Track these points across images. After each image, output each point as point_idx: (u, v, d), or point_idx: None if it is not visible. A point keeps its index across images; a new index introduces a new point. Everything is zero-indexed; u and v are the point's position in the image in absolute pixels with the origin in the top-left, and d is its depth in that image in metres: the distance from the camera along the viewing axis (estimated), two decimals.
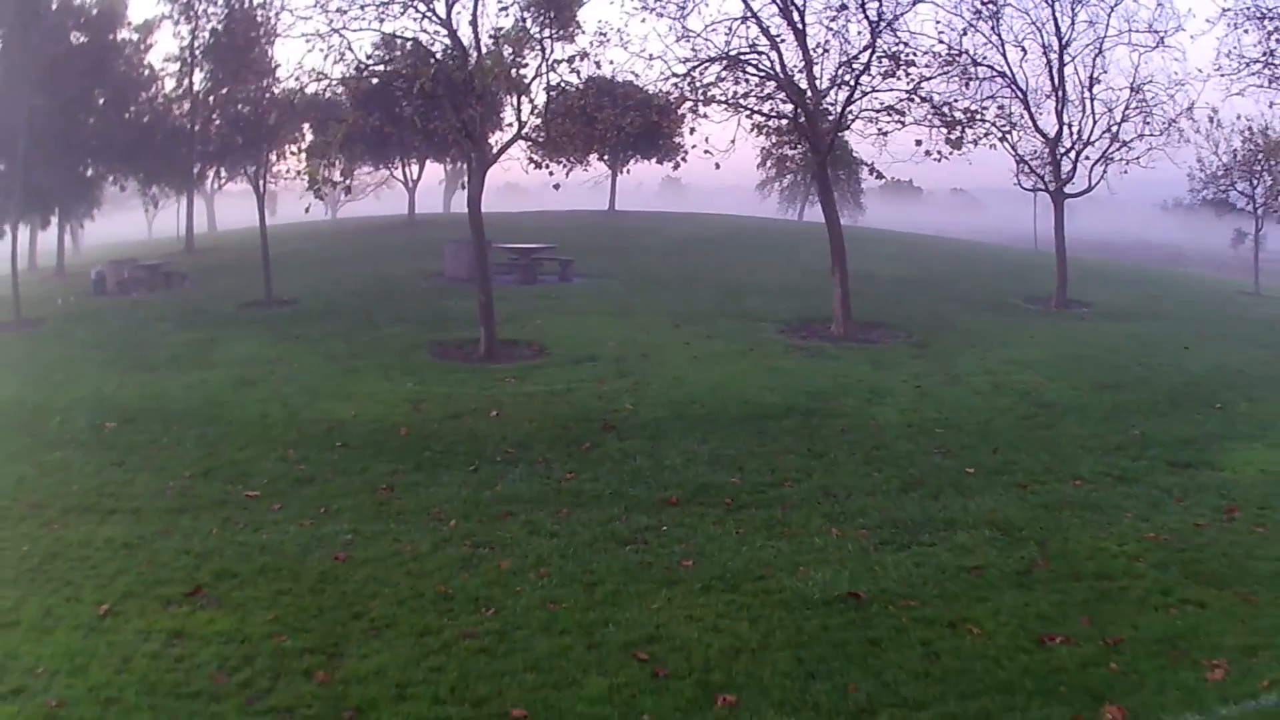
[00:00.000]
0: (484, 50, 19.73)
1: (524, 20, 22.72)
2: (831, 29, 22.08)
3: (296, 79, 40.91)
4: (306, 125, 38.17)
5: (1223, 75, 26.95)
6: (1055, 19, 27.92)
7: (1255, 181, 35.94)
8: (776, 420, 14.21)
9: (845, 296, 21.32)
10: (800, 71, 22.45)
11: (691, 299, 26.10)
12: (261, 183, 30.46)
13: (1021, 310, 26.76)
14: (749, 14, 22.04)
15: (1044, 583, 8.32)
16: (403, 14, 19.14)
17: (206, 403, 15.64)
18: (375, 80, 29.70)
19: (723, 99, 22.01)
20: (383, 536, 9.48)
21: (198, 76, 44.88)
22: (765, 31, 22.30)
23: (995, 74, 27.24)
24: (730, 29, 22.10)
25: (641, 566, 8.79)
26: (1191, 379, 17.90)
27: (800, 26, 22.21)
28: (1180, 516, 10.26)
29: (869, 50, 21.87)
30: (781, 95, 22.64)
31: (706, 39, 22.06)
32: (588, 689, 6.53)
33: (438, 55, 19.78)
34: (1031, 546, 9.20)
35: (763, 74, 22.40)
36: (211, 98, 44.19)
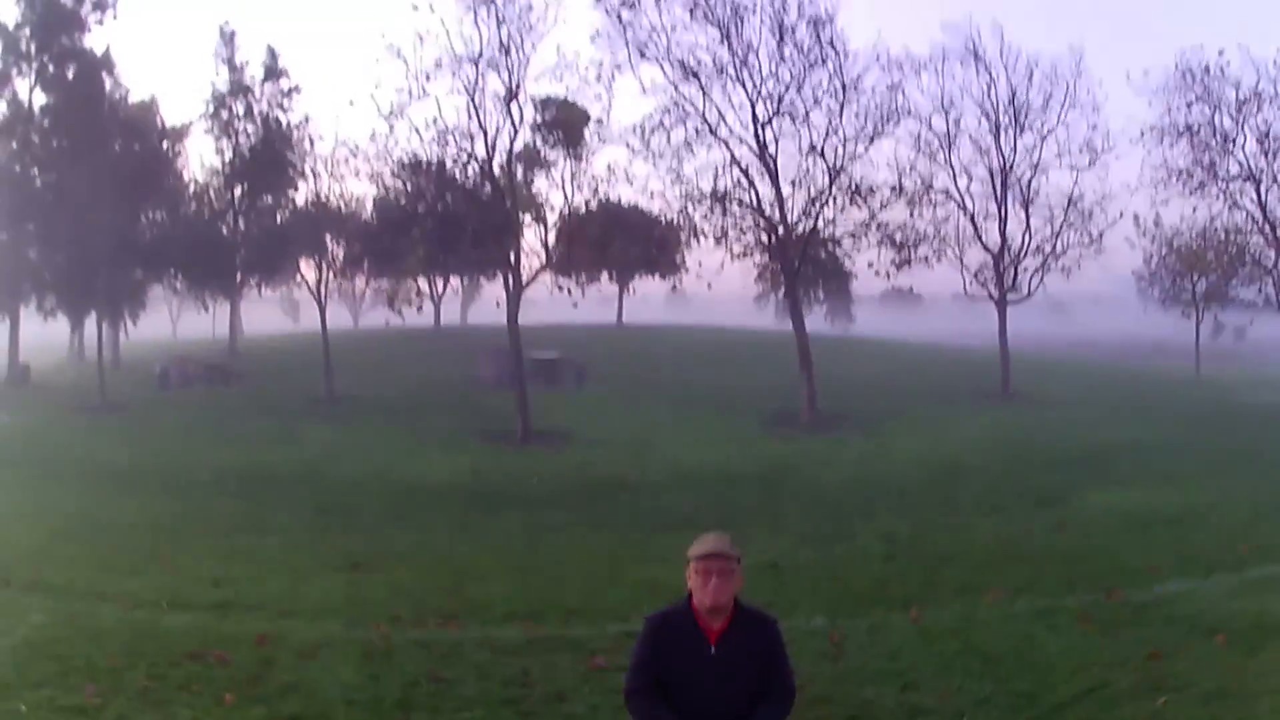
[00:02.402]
0: (501, 170, 25.17)
1: (534, 142, 28.12)
2: (799, 174, 27.55)
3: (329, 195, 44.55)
4: (330, 237, 42.49)
5: (1156, 185, 32.06)
6: (999, 145, 33.12)
7: (1194, 280, 40.11)
8: (745, 482, 18.96)
9: (811, 392, 26.11)
10: (773, 206, 27.81)
11: (688, 400, 30.88)
12: (322, 291, 35.15)
13: (966, 402, 31.42)
14: (733, 160, 27.52)
15: (901, 560, 12.83)
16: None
17: (305, 470, 20.39)
18: (402, 201, 35.42)
19: (710, 233, 27.33)
20: (470, 543, 14.08)
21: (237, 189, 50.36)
22: (745, 173, 27.78)
23: (947, 198, 32.47)
24: (716, 172, 27.60)
25: (635, 559, 13.27)
26: (1088, 448, 22.53)
27: (774, 169, 27.67)
28: (1022, 530, 14.78)
29: (830, 187, 27.31)
30: (760, 224, 27.96)
31: (697, 185, 27.50)
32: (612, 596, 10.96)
33: (462, 172, 25.19)
34: (904, 546, 13.72)
35: (744, 207, 27.78)
36: (252, 211, 49.52)
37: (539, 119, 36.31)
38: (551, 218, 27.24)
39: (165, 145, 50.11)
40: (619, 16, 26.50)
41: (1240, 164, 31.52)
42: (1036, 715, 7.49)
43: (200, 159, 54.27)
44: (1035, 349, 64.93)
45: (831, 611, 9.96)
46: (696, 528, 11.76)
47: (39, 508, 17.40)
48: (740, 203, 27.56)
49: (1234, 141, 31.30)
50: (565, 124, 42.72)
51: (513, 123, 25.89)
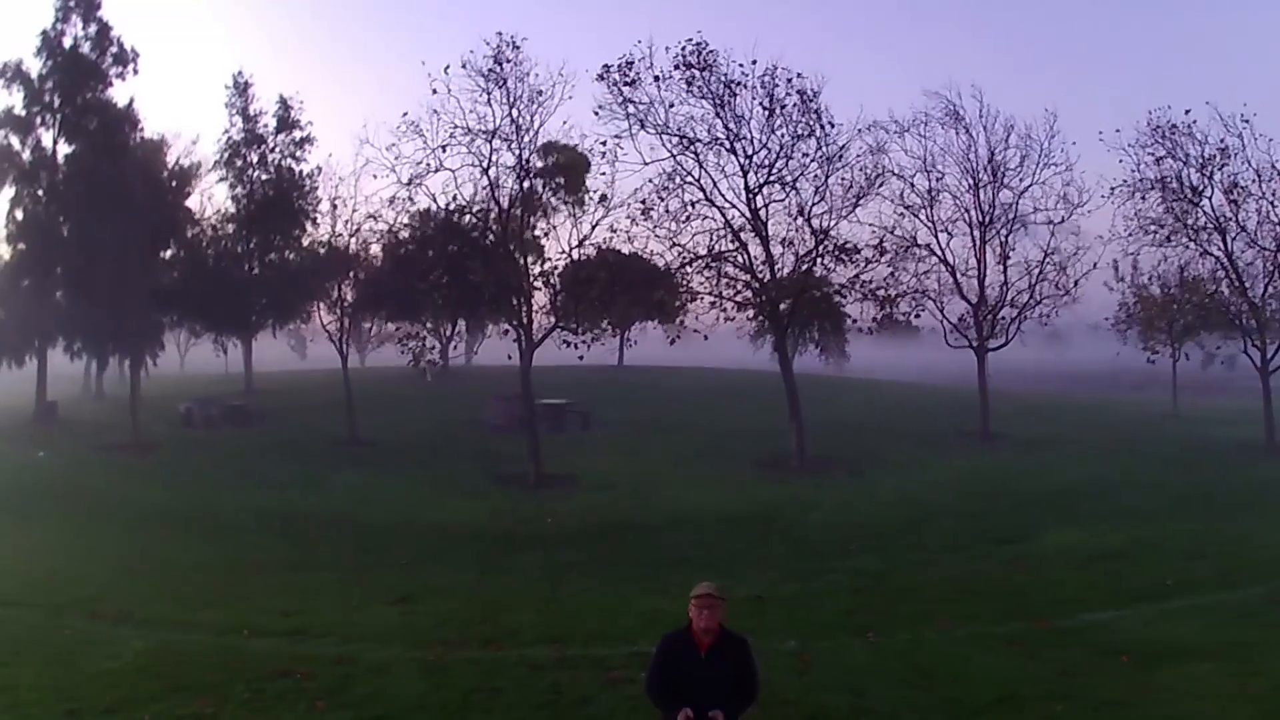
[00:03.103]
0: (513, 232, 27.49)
1: (537, 186, 30.36)
2: (788, 235, 29.80)
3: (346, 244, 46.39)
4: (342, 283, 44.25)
5: (1128, 235, 34.09)
6: (978, 201, 35.31)
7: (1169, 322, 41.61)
8: (737, 523, 21.03)
9: (800, 438, 28.22)
10: (763, 265, 30.06)
11: (687, 443, 32.93)
12: (342, 340, 36.98)
13: (948, 444, 33.47)
14: (726, 224, 29.78)
15: (867, 593, 14.89)
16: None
17: (338, 513, 22.45)
18: (411, 247, 37.65)
19: (704, 290, 29.56)
20: (497, 579, 16.14)
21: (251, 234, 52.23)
22: (737, 236, 30.04)
23: (929, 253, 34.62)
24: (711, 236, 29.85)
25: (640, 592, 15.28)
26: (1054, 489, 24.60)
27: (765, 233, 29.94)
28: (978, 567, 16.85)
29: (817, 248, 29.59)
30: (748, 279, 30.17)
31: (692, 249, 29.73)
32: (623, 623, 13.01)
33: (480, 236, 27.47)
34: (871, 581, 15.79)
35: (738, 268, 30.03)
36: (269, 256, 51.50)
37: (541, 164, 38.98)
38: (555, 262, 29.61)
39: (175, 184, 51.90)
40: (621, 91, 28.69)
41: (1207, 215, 33.67)
42: (958, 716, 9.56)
43: (207, 199, 55.14)
44: (1025, 385, 67.23)
45: (803, 636, 12.03)
46: (693, 565, 13.83)
47: (97, 547, 19.31)
48: (734, 263, 29.79)
49: (1201, 194, 33.49)
50: (566, 169, 45.28)
51: (522, 189, 28.16)
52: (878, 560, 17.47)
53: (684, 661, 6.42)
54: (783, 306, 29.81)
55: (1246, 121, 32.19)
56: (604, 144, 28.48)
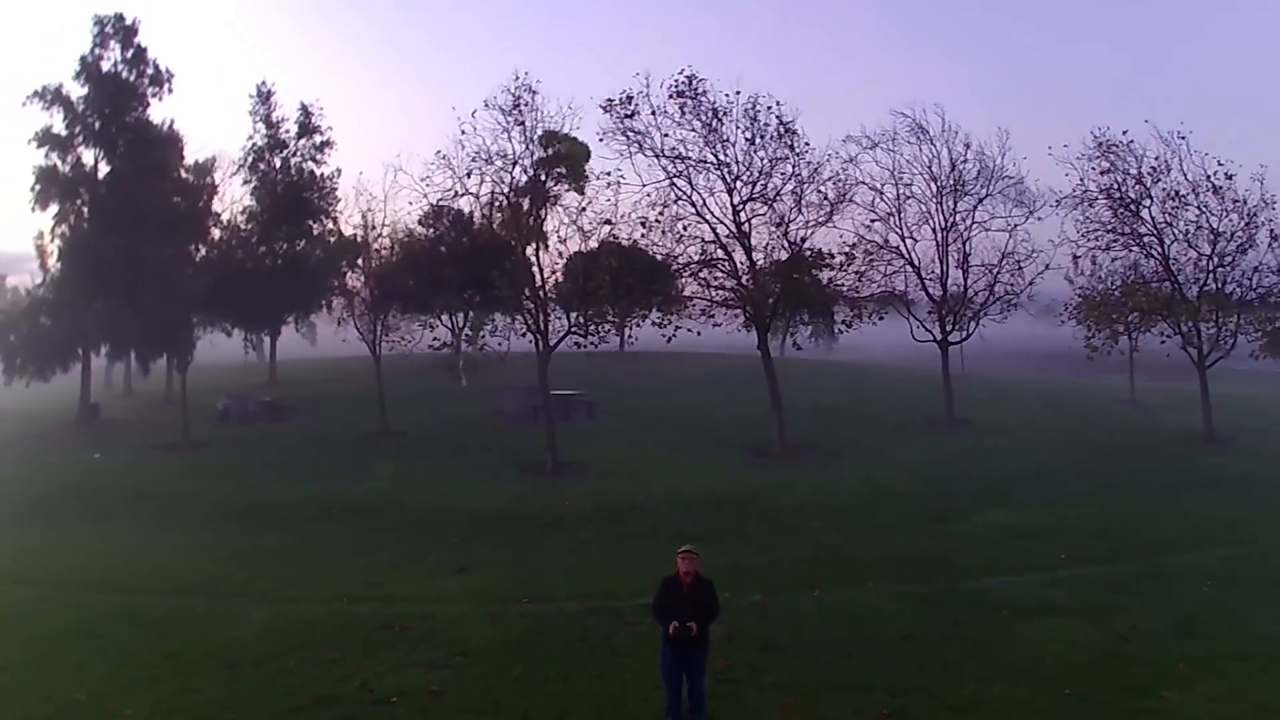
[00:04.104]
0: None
1: (540, 176, 34.04)
2: (770, 244, 33.75)
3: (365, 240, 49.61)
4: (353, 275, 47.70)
5: (1080, 237, 37.65)
6: (941, 208, 39.17)
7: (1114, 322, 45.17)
8: (724, 504, 25.09)
9: (781, 428, 32.22)
10: (747, 271, 33.96)
11: (682, 430, 36.92)
12: (376, 337, 40.60)
13: (917, 429, 37.46)
14: (715, 238, 33.67)
15: (822, 562, 18.92)
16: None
17: (384, 501, 26.42)
18: (425, 245, 41.47)
19: (696, 295, 33.52)
20: (530, 553, 20.18)
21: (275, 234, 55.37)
22: (723, 247, 33.92)
23: (897, 255, 38.50)
24: (702, 248, 33.73)
25: (644, 561, 19.27)
26: (998, 474, 28.64)
27: (748, 243, 33.83)
28: (913, 541, 20.85)
29: (794, 256, 33.53)
30: (734, 285, 34.11)
31: (686, 257, 33.67)
32: (633, 584, 17.03)
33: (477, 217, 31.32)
34: (826, 551, 19.82)
35: (724, 273, 33.97)
36: (292, 249, 54.48)
37: (544, 154, 42.63)
38: (561, 249, 33.58)
39: (206, 195, 54.85)
40: (622, 122, 32.60)
41: (1146, 223, 37.44)
42: (869, 647, 13.59)
43: (230, 202, 57.89)
44: (1008, 366, 71.13)
45: (766, 592, 16.16)
46: (686, 540, 18.28)
47: (183, 541, 22.66)
48: (721, 269, 33.73)
49: (1140, 204, 37.25)
50: (568, 159, 48.97)
51: (534, 207, 32.00)
52: (836, 535, 21.53)
53: (673, 593, 10.52)
54: (766, 303, 33.72)
55: (1183, 138, 36.01)
56: (608, 174, 32.21)
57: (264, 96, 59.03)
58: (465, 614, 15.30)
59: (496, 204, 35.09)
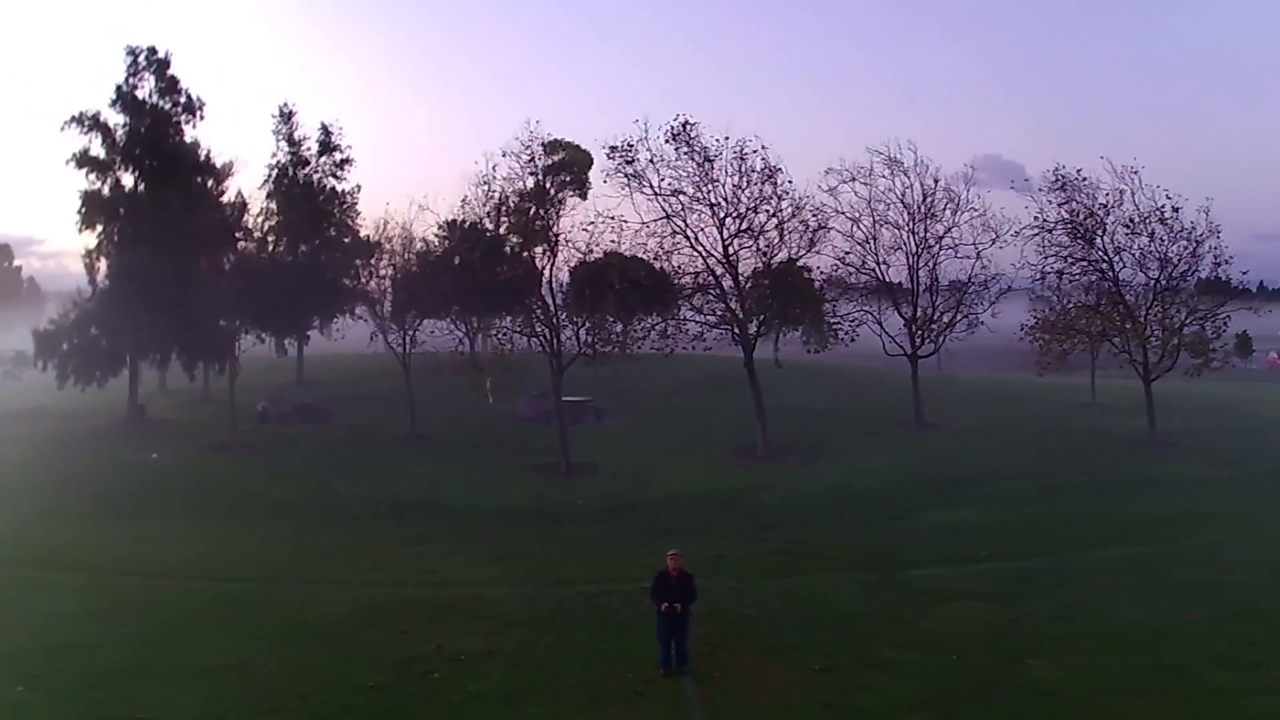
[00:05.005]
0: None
1: (544, 181, 38.16)
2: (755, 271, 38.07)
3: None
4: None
5: (1041, 259, 41.62)
6: (912, 234, 43.48)
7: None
8: (711, 502, 29.55)
9: (764, 432, 36.58)
10: (735, 297, 38.31)
11: (678, 433, 41.35)
12: (405, 350, 44.81)
13: (889, 432, 41.79)
14: (707, 268, 37.99)
15: (790, 554, 23.24)
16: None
17: (422, 499, 30.79)
18: (439, 254, 45.70)
19: (690, 319, 37.87)
20: (551, 545, 24.56)
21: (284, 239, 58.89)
22: (713, 273, 38.23)
23: (872, 278, 42.86)
24: (695, 277, 38.04)
25: (645, 552, 23.55)
26: (953, 476, 32.97)
27: (736, 272, 38.15)
28: (867, 536, 25.19)
29: (776, 285, 37.88)
30: (721, 308, 38.48)
31: (680, 284, 38.00)
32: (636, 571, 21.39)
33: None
34: (793, 545, 24.15)
35: (715, 299, 38.30)
36: (314, 264, 57.87)
37: (548, 161, 46.70)
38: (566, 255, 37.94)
39: (234, 212, 58.02)
40: (623, 167, 36.94)
41: (1099, 250, 41.53)
42: (815, 621, 17.88)
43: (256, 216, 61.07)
44: (989, 366, 75.09)
45: (741, 578, 20.57)
46: (679, 534, 23.12)
47: (256, 535, 26.59)
48: (712, 294, 38.10)
49: (1095, 233, 41.34)
50: (572, 165, 53.34)
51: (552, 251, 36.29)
52: (804, 531, 25.88)
53: (664, 582, 14.93)
54: (750, 325, 38.09)
55: (1135, 173, 40.08)
56: (611, 218, 36.54)
57: (286, 116, 62.98)
58: (506, 594, 19.67)
59: (504, 208, 39.48)
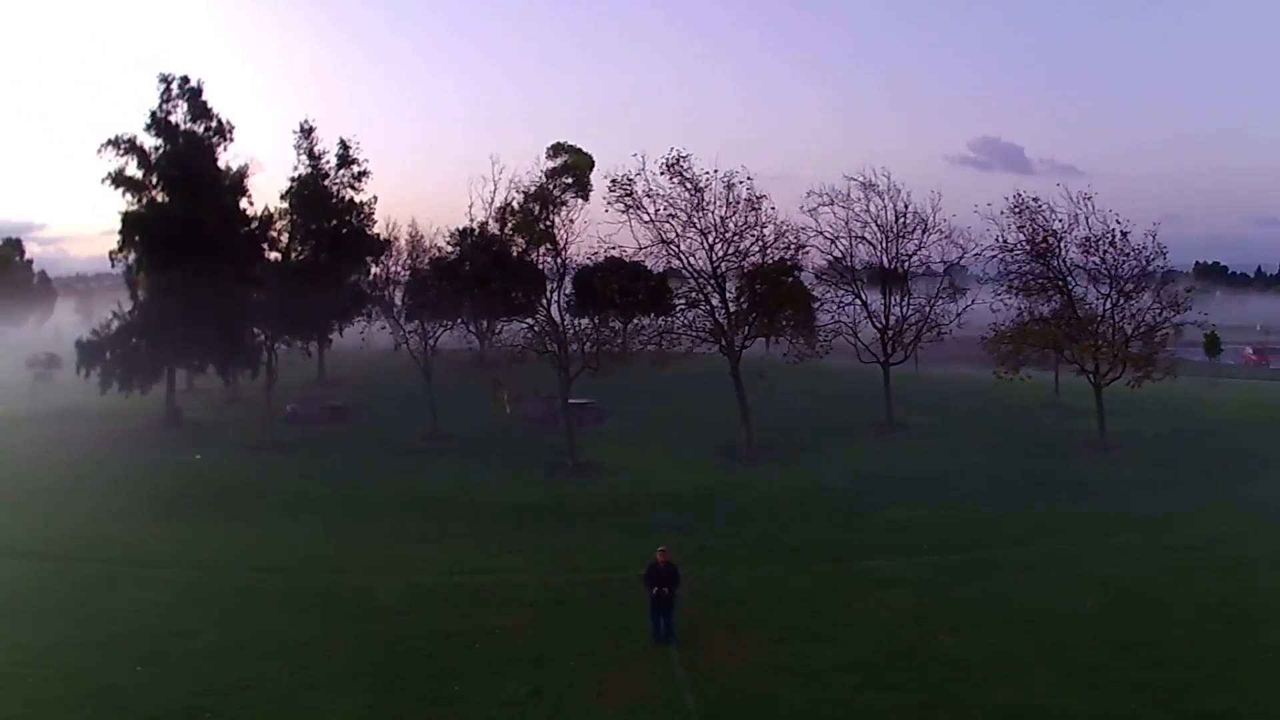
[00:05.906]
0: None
1: (548, 184, 42.43)
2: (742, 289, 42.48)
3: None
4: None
5: (1001, 274, 45.71)
6: (886, 252, 47.79)
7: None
8: (699, 500, 34.03)
9: (748, 434, 41.03)
10: (723, 312, 42.70)
11: (672, 434, 45.73)
12: (426, 357, 49.29)
13: (863, 433, 46.20)
14: (696, 287, 42.36)
15: (762, 545, 27.67)
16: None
17: (448, 496, 35.25)
18: (449, 260, 50.15)
19: (684, 330, 42.32)
20: (563, 538, 29.00)
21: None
22: (702, 291, 42.58)
23: (850, 293, 47.23)
24: (689, 291, 42.44)
25: (642, 545, 27.89)
26: (915, 475, 37.36)
27: (724, 290, 42.52)
28: (831, 530, 29.63)
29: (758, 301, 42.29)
30: (710, 323, 42.91)
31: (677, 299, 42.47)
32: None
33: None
34: (768, 538, 28.58)
35: (705, 315, 42.72)
36: (335, 273, 61.81)
37: (551, 165, 50.48)
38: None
39: (259, 227, 61.33)
40: (622, 198, 41.29)
41: (1054, 270, 45.61)
42: (777, 603, 22.31)
43: (279, 232, 64.14)
44: (967, 363, 78.68)
45: (720, 567, 25.06)
46: (670, 528, 28.04)
47: (309, 531, 30.77)
48: (701, 310, 42.55)
49: (1052, 253, 45.44)
50: (574, 169, 57.59)
51: (560, 272, 40.67)
52: (777, 526, 30.32)
53: (655, 572, 19.50)
54: (736, 339, 42.54)
55: (1089, 199, 44.12)
56: (613, 249, 40.90)
57: (306, 132, 67.03)
58: (528, 581, 24.15)
59: (509, 209, 43.89)
